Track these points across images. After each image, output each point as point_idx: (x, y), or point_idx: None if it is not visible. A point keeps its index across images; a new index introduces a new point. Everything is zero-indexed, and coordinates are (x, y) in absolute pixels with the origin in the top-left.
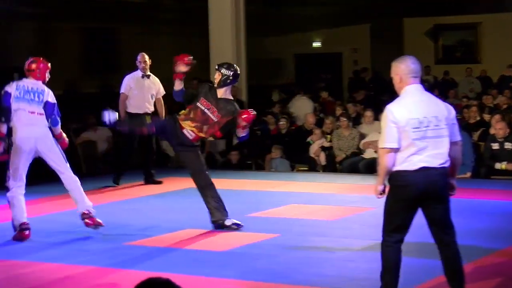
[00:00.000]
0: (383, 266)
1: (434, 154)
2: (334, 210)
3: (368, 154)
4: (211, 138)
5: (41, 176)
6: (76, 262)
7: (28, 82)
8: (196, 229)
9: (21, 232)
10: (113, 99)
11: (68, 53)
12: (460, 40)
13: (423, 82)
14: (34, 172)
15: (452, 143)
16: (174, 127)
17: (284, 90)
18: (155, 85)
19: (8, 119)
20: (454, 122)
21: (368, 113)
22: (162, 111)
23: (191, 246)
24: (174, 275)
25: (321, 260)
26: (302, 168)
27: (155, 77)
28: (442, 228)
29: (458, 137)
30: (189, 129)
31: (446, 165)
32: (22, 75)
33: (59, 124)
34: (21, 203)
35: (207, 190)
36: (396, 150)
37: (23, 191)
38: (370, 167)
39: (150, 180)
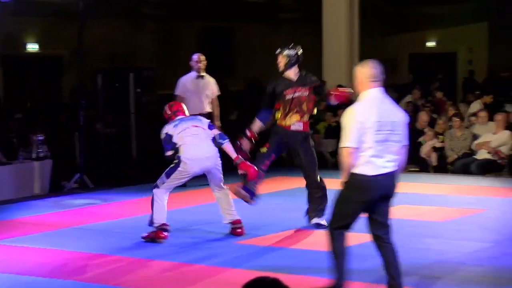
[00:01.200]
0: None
1: (391, 158)
2: (446, 212)
3: (481, 155)
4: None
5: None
6: (186, 260)
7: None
8: (307, 229)
9: (159, 232)
10: (229, 99)
11: (186, 52)
12: None
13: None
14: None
15: (402, 147)
16: (279, 137)
17: (398, 89)
18: (210, 85)
19: None
20: (405, 127)
21: (482, 114)
22: (218, 112)
23: (300, 245)
24: (283, 274)
25: (433, 262)
26: (413, 169)
27: (210, 77)
28: (385, 227)
29: (407, 141)
30: (295, 122)
31: (397, 168)
32: (138, 75)
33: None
34: (164, 203)
35: (318, 188)
36: (357, 150)
37: (168, 194)
38: (483, 168)
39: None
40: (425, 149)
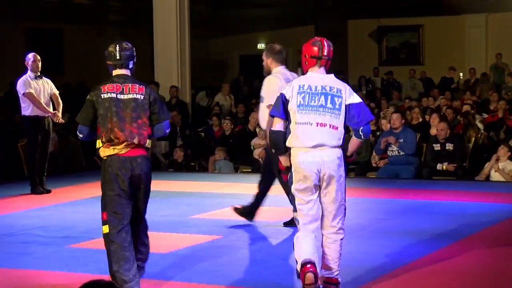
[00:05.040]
0: None
1: None
2: (279, 211)
3: None
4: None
5: None
6: (17, 266)
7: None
8: None
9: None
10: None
11: (12, 54)
12: (404, 42)
13: (368, 82)
14: None
15: None
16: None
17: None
18: (49, 84)
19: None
20: None
21: None
22: (60, 108)
23: None
24: None
25: (264, 261)
26: (246, 170)
27: (45, 77)
28: None
29: None
30: None
31: None
32: None
33: None
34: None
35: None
36: None
37: None
38: None
39: (39, 187)
40: (257, 151)
